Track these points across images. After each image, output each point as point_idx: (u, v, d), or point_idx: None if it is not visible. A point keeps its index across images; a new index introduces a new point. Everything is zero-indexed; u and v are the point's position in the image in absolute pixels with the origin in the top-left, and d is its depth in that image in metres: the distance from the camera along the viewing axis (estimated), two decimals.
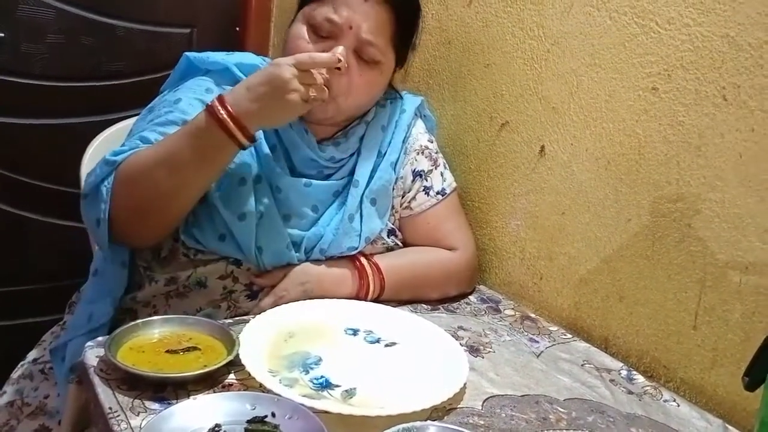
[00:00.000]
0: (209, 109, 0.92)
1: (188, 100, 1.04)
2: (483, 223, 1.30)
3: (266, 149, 1.05)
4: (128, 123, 1.33)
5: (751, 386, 0.73)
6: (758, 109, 0.89)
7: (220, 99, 0.92)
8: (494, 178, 1.28)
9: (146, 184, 0.93)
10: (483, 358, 0.98)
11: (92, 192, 0.96)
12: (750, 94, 0.89)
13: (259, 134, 1.05)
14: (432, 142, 1.22)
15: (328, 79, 0.98)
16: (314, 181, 1.09)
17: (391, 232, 1.16)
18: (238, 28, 1.93)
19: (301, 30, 1.06)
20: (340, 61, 0.95)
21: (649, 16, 1.00)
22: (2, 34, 1.61)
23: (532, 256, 1.22)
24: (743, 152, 0.91)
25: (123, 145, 1.00)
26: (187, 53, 1.12)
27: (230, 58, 1.10)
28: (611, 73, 1.06)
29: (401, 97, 1.20)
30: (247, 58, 1.12)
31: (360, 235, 1.10)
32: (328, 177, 1.11)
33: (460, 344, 0.97)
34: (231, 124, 0.90)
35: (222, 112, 0.91)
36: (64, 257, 1.71)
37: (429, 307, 1.14)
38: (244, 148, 0.94)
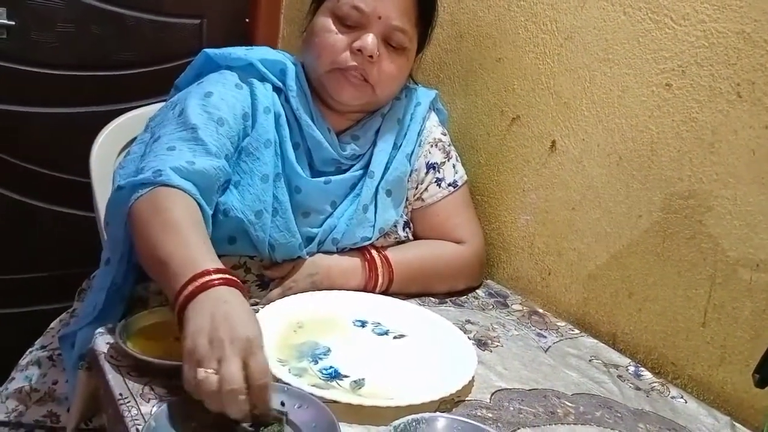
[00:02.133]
0: (185, 285, 0.75)
1: (220, 94, 1.02)
2: (492, 217, 1.30)
3: (290, 149, 1.05)
4: (138, 113, 1.34)
5: (761, 383, 0.73)
6: None
7: (194, 291, 0.74)
8: (504, 173, 1.27)
9: (143, 243, 0.87)
10: (491, 351, 0.98)
11: (127, 191, 0.91)
12: (765, 91, 0.89)
13: (285, 132, 1.05)
14: (445, 135, 1.22)
15: (361, 67, 1.03)
16: (333, 178, 1.09)
17: (405, 225, 1.17)
18: (247, 20, 1.93)
19: (327, 22, 1.06)
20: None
21: (663, 11, 1.00)
22: (12, 23, 1.61)
23: (540, 252, 1.21)
24: (756, 149, 0.90)
25: (168, 146, 0.94)
26: (205, 50, 1.10)
27: (252, 54, 1.08)
28: (624, 69, 1.06)
29: (413, 90, 1.20)
30: (269, 53, 1.11)
31: (374, 226, 1.10)
32: (345, 171, 1.12)
33: (468, 338, 0.97)
34: (177, 310, 0.75)
35: (181, 297, 0.75)
36: (72, 246, 1.72)
37: (437, 300, 1.14)
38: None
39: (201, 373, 0.67)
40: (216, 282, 0.74)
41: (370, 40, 1.04)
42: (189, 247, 0.81)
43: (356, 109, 1.11)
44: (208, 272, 0.75)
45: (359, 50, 1.04)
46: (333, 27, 1.06)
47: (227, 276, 0.76)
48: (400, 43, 1.07)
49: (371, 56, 1.04)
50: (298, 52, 1.15)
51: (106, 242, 0.99)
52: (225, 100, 1.02)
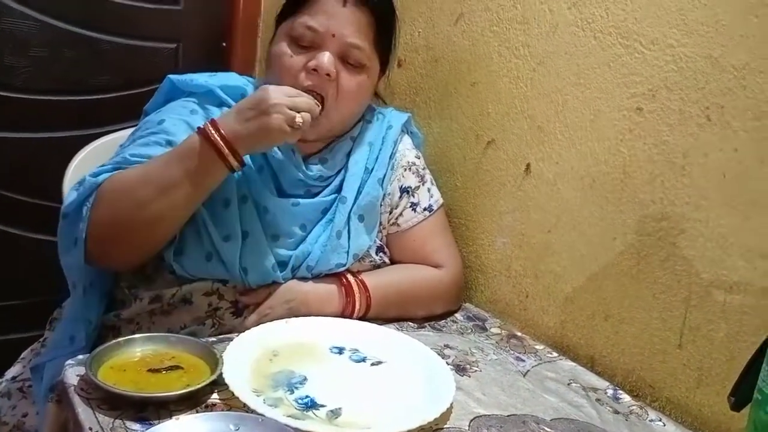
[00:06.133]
0: (202, 132, 0.92)
1: (172, 120, 1.04)
2: (469, 240, 1.30)
3: (253, 170, 1.05)
4: (112, 137, 1.32)
5: (737, 406, 0.73)
6: (741, 129, 0.90)
7: (213, 122, 0.93)
8: (480, 196, 1.28)
9: (130, 204, 0.92)
10: (470, 377, 0.98)
11: (73, 212, 0.95)
12: (733, 114, 0.90)
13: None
14: (419, 158, 1.22)
15: (319, 87, 1.03)
16: (302, 200, 1.08)
17: (379, 249, 1.16)
18: (224, 44, 1.93)
19: (283, 46, 1.06)
20: (319, 106, 1.01)
21: (633, 36, 1.02)
22: None
23: (518, 274, 1.22)
24: (726, 172, 0.91)
25: (104, 165, 0.99)
26: (170, 76, 1.11)
27: (213, 80, 1.09)
28: (596, 93, 1.07)
29: (385, 113, 1.20)
30: (231, 79, 1.12)
31: (348, 252, 1.09)
32: (315, 195, 1.11)
33: (447, 363, 0.97)
34: (223, 147, 0.92)
35: (215, 134, 0.92)
36: (45, 272, 1.67)
37: (415, 325, 1.13)
38: (233, 171, 0.95)
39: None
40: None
41: (325, 58, 1.03)
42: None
43: (320, 137, 1.11)
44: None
45: (315, 69, 1.03)
46: (288, 50, 1.05)
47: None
48: (358, 60, 1.07)
49: (328, 74, 1.03)
50: None
51: (66, 274, 0.98)
52: (176, 125, 1.03)
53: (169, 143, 1.00)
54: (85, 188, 0.94)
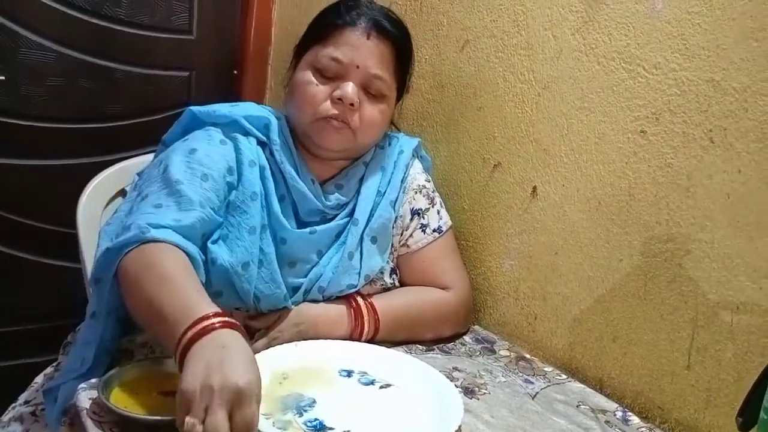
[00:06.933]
0: (190, 324, 0.76)
1: (205, 151, 1.04)
2: (477, 262, 1.31)
3: (275, 201, 1.07)
4: (125, 164, 1.35)
5: (745, 427, 0.73)
6: (744, 151, 0.91)
7: (194, 335, 0.75)
8: (487, 219, 1.29)
9: (140, 285, 0.87)
10: (478, 399, 0.98)
11: (115, 249, 0.92)
12: (736, 136, 0.91)
13: (270, 184, 1.07)
14: (429, 182, 1.24)
15: (342, 115, 1.06)
16: (318, 227, 1.10)
17: (392, 272, 1.17)
18: (235, 72, 1.96)
19: (307, 75, 1.09)
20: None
21: (636, 61, 1.03)
22: (2, 77, 1.63)
23: (526, 296, 1.22)
24: (731, 193, 0.92)
25: (163, 213, 0.95)
26: (191, 108, 1.11)
27: (237, 111, 1.10)
28: (600, 117, 1.08)
29: (396, 138, 1.22)
30: (253, 109, 1.13)
31: (359, 273, 1.11)
32: (330, 220, 1.13)
33: (455, 385, 0.97)
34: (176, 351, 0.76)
35: (182, 341, 0.75)
36: (59, 297, 1.71)
37: (424, 347, 1.14)
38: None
39: (188, 421, 0.67)
40: (216, 325, 0.75)
41: (350, 89, 1.06)
42: (184, 295, 0.82)
43: (340, 156, 1.13)
44: (206, 317, 0.76)
45: (340, 99, 1.06)
46: (313, 79, 1.08)
47: (226, 319, 0.77)
48: (379, 90, 1.10)
49: (352, 104, 1.06)
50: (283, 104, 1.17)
51: (93, 298, 0.99)
52: (210, 156, 1.04)
53: (206, 177, 1.01)
54: (134, 235, 0.90)
